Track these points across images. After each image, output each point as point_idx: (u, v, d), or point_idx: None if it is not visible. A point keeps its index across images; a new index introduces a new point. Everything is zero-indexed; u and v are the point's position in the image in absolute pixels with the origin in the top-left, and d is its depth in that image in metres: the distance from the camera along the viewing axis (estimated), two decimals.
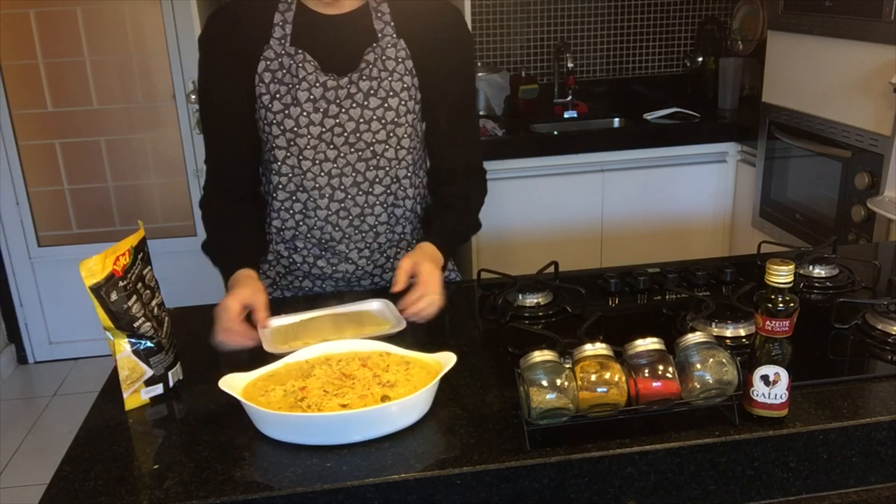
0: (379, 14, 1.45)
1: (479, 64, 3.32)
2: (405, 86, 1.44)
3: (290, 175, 1.45)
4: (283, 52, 1.41)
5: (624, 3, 3.39)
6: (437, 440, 1.04)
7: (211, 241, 1.51)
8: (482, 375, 1.19)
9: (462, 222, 1.55)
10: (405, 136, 1.46)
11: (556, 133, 3.06)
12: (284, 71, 1.41)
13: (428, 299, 1.33)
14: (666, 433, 1.01)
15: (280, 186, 1.47)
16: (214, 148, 1.51)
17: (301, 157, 1.43)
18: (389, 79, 1.43)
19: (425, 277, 1.34)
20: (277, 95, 1.41)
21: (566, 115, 3.27)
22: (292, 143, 1.42)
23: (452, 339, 1.32)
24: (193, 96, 3.34)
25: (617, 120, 3.28)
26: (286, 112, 1.41)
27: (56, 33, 3.29)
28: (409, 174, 1.50)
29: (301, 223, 1.50)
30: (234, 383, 1.10)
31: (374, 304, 1.42)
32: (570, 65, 3.26)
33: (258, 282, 1.38)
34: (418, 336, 1.34)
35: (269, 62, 1.41)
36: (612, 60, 3.47)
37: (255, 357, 1.26)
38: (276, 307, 1.51)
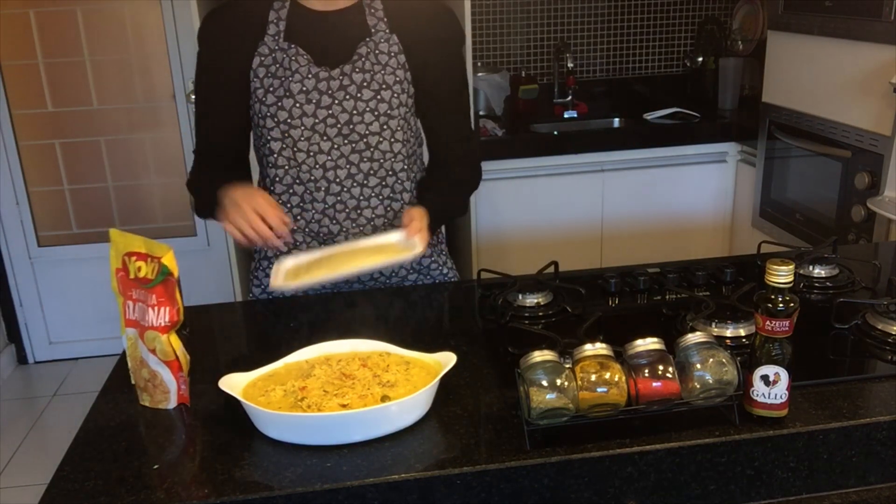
0: (372, 10, 1.47)
1: (479, 64, 3.32)
2: (398, 79, 1.46)
3: (287, 168, 1.47)
4: (276, 47, 1.43)
5: (624, 3, 3.38)
6: (437, 440, 1.04)
7: (197, 181, 1.54)
8: (482, 375, 1.19)
9: (450, 203, 1.59)
10: (398, 128, 1.48)
11: (556, 133, 3.06)
12: (278, 65, 1.43)
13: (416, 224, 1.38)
14: (666, 433, 1.01)
15: (277, 179, 1.49)
16: (204, 139, 1.54)
17: (296, 150, 1.45)
18: (382, 72, 1.45)
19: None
20: (271, 89, 1.43)
21: (566, 115, 3.27)
22: (286, 134, 1.44)
23: (452, 339, 1.32)
24: (193, 96, 3.34)
25: (617, 120, 3.28)
26: (279, 104, 1.43)
27: (56, 33, 3.29)
28: (404, 167, 1.51)
29: (299, 217, 1.51)
30: (233, 383, 1.10)
31: (395, 237, 1.43)
32: (570, 65, 3.26)
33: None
34: (418, 336, 1.34)
35: (263, 58, 1.44)
36: (612, 60, 3.47)
37: (255, 357, 1.26)
38: (277, 306, 1.51)
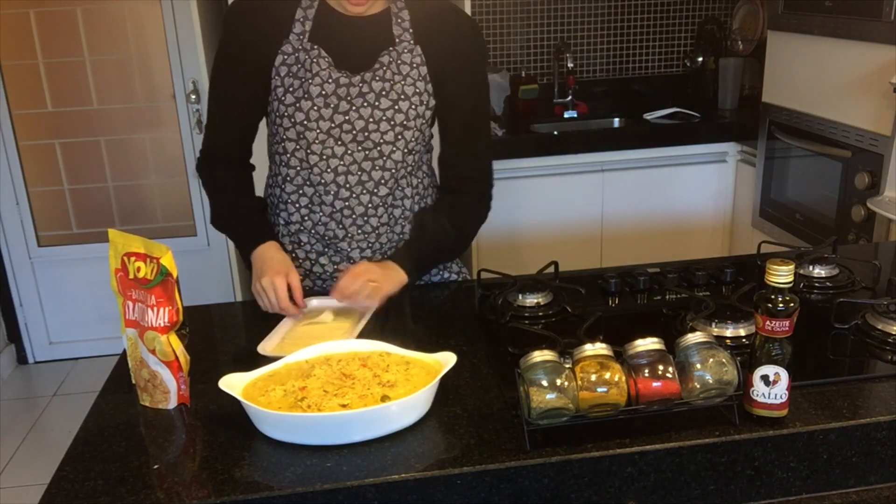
0: (399, 20, 1.45)
1: None
2: (417, 91, 1.45)
3: (298, 168, 1.47)
4: (300, 47, 1.42)
5: (624, 3, 3.38)
6: (437, 440, 1.04)
7: (222, 212, 1.54)
8: (482, 375, 1.19)
9: (445, 250, 1.55)
10: (413, 139, 1.47)
11: (556, 133, 3.06)
12: (299, 65, 1.42)
13: (360, 286, 1.36)
14: (666, 433, 1.02)
15: (289, 179, 1.49)
16: (217, 123, 1.51)
17: (309, 151, 1.45)
18: (402, 83, 1.44)
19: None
20: (290, 89, 1.42)
21: (566, 115, 3.27)
22: (301, 136, 1.44)
23: (452, 339, 1.32)
24: (193, 96, 3.34)
25: (617, 120, 3.28)
26: (297, 105, 1.42)
27: (56, 33, 3.29)
28: (406, 174, 1.51)
29: (307, 217, 1.51)
30: (234, 383, 1.10)
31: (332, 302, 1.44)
32: (570, 65, 3.26)
33: (286, 256, 1.45)
34: (418, 336, 1.34)
35: (286, 56, 1.43)
36: (612, 60, 3.47)
37: (255, 357, 1.26)
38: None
